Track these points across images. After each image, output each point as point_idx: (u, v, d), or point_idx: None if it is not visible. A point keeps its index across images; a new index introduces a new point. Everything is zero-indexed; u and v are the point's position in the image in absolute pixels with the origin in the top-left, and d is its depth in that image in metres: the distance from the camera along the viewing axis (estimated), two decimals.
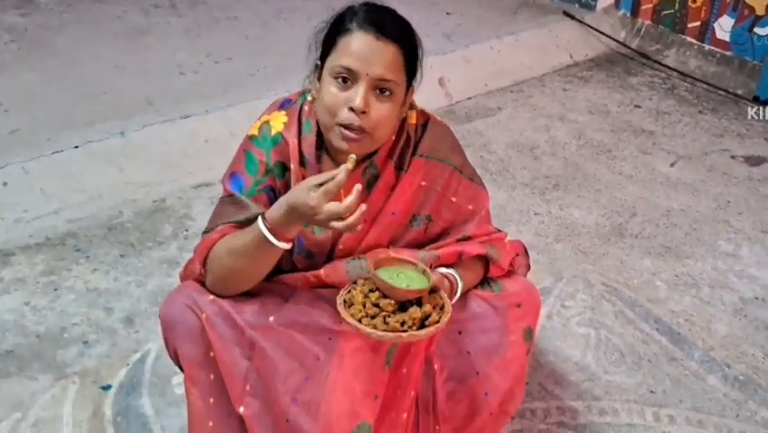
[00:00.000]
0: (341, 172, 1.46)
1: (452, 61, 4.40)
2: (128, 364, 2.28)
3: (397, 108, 1.65)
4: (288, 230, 1.56)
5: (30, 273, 2.63)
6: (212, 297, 1.68)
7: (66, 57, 4.02)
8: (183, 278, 1.79)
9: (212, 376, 1.68)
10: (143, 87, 3.75)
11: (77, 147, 3.08)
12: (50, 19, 4.47)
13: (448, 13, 5.23)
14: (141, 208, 3.02)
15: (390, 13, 1.65)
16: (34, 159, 2.98)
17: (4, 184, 2.87)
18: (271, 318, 1.68)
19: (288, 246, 1.59)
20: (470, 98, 4.30)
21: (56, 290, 2.57)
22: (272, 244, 1.56)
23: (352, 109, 1.56)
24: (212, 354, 1.67)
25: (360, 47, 1.57)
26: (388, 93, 1.60)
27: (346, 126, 1.58)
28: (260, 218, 1.57)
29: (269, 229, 1.55)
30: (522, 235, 3.09)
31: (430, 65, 4.26)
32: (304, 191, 1.48)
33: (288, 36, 4.47)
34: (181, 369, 1.72)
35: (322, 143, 1.71)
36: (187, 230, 2.92)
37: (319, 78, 1.66)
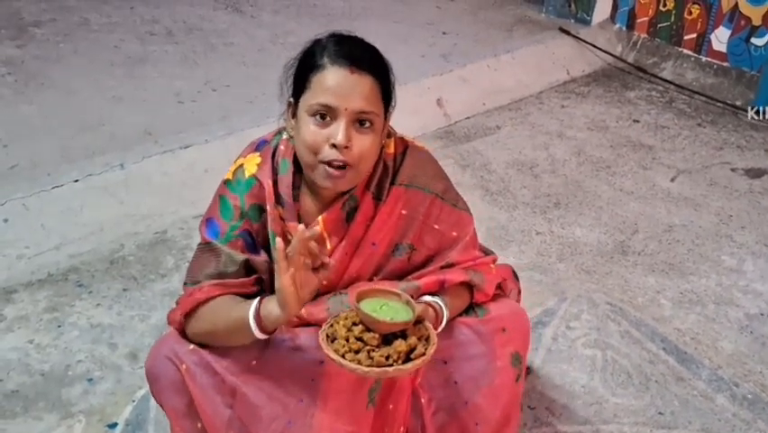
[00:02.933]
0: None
1: (450, 81, 4.40)
2: (133, 401, 2.27)
3: (378, 138, 1.64)
4: (274, 321, 1.54)
5: (33, 310, 2.62)
6: (192, 346, 1.68)
7: (63, 88, 4.01)
8: (169, 322, 1.78)
9: (199, 425, 1.68)
10: (142, 117, 3.75)
11: (76, 181, 3.07)
12: (46, 50, 4.47)
13: (444, 33, 5.23)
14: (142, 241, 3.02)
15: (360, 44, 1.64)
16: (34, 194, 2.97)
17: (5, 221, 2.86)
18: (254, 363, 1.66)
19: (265, 337, 1.58)
20: (468, 118, 4.31)
21: (59, 326, 2.56)
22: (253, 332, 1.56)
23: (334, 146, 1.55)
24: (196, 403, 1.66)
25: (335, 82, 1.55)
26: (368, 124, 1.59)
27: (329, 163, 1.57)
28: (253, 307, 1.55)
29: (255, 318, 1.54)
30: (524, 255, 3.09)
31: (428, 86, 4.29)
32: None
33: (285, 61, 4.44)
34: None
35: (300, 182, 1.71)
36: (189, 261, 2.90)
37: (293, 116, 1.65)
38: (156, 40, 4.75)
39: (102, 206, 3.06)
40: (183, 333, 1.71)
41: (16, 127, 3.58)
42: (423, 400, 1.74)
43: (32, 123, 3.64)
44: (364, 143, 1.58)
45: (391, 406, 1.70)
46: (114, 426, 2.19)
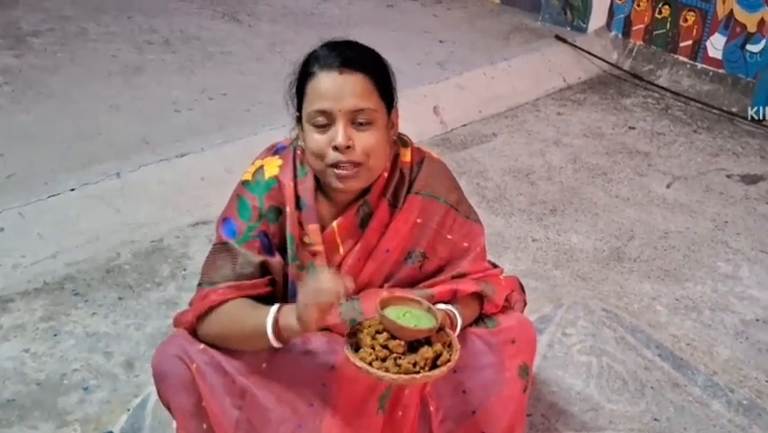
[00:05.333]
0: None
1: (446, 89, 4.42)
2: (129, 410, 2.27)
3: (384, 133, 1.66)
4: (291, 333, 1.56)
5: (29, 319, 2.62)
6: (202, 346, 1.69)
7: (61, 97, 4.02)
8: (175, 323, 1.79)
9: (204, 426, 1.68)
10: (139, 125, 3.76)
11: (73, 190, 3.08)
12: (43, 59, 4.49)
13: (441, 41, 5.26)
14: (138, 249, 3.02)
15: (350, 46, 1.66)
16: (31, 203, 2.98)
17: (1, 230, 2.86)
18: (264, 365, 1.67)
19: (280, 346, 1.60)
20: (464, 125, 4.31)
21: (55, 335, 2.56)
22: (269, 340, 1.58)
23: (336, 148, 1.58)
24: (204, 403, 1.67)
25: (326, 86, 1.58)
26: (367, 122, 1.61)
27: (337, 166, 1.59)
28: (271, 317, 1.57)
29: (273, 329, 1.56)
30: (520, 262, 3.09)
31: (424, 94, 4.28)
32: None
33: (282, 70, 4.41)
34: (174, 418, 1.73)
35: (318, 185, 1.72)
36: (185, 270, 2.91)
37: (302, 129, 1.68)
38: (153, 49, 4.77)
39: (98, 214, 3.06)
40: (193, 333, 1.72)
41: (13, 136, 3.59)
42: (431, 408, 1.75)
43: (28, 132, 3.65)
44: (368, 141, 1.61)
45: (400, 413, 1.70)
46: None
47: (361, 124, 1.60)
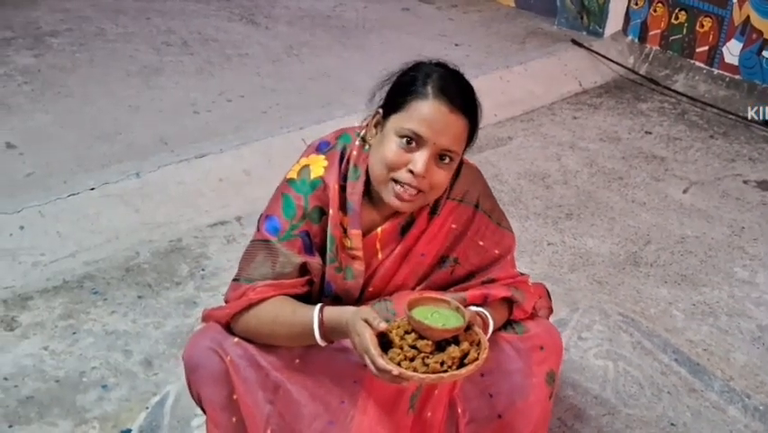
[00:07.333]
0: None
1: None
2: (147, 408, 2.29)
3: (452, 172, 1.67)
4: (335, 336, 1.61)
5: (48, 317, 2.64)
6: (236, 339, 1.70)
7: (80, 97, 4.05)
8: (206, 318, 1.79)
9: (234, 419, 1.69)
10: (157, 126, 3.78)
11: (92, 189, 3.10)
12: (62, 59, 4.52)
13: (456, 45, 5.27)
14: (157, 249, 3.04)
15: (463, 83, 1.65)
16: (50, 202, 3.01)
17: (21, 228, 2.89)
18: (297, 361, 1.69)
19: (326, 344, 1.64)
20: (480, 129, 4.29)
21: (74, 333, 2.58)
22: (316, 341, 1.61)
23: (410, 171, 1.58)
24: (235, 396, 1.68)
25: (432, 116, 1.57)
26: (447, 160, 1.61)
27: (401, 184, 1.60)
28: (316, 314, 1.60)
29: (319, 327, 1.60)
30: (536, 266, 3.10)
31: None
32: (366, 329, 1.49)
33: (299, 72, 4.52)
34: (203, 411, 1.74)
35: (367, 190, 1.73)
36: (203, 269, 2.93)
37: (376, 126, 1.67)
38: (172, 50, 4.79)
39: (117, 214, 3.09)
40: (226, 327, 1.73)
41: (33, 136, 3.62)
42: (459, 410, 1.76)
43: (48, 131, 3.68)
44: (439, 176, 1.62)
45: (429, 413, 1.71)
46: (127, 432, 2.21)
47: (441, 159, 1.61)
